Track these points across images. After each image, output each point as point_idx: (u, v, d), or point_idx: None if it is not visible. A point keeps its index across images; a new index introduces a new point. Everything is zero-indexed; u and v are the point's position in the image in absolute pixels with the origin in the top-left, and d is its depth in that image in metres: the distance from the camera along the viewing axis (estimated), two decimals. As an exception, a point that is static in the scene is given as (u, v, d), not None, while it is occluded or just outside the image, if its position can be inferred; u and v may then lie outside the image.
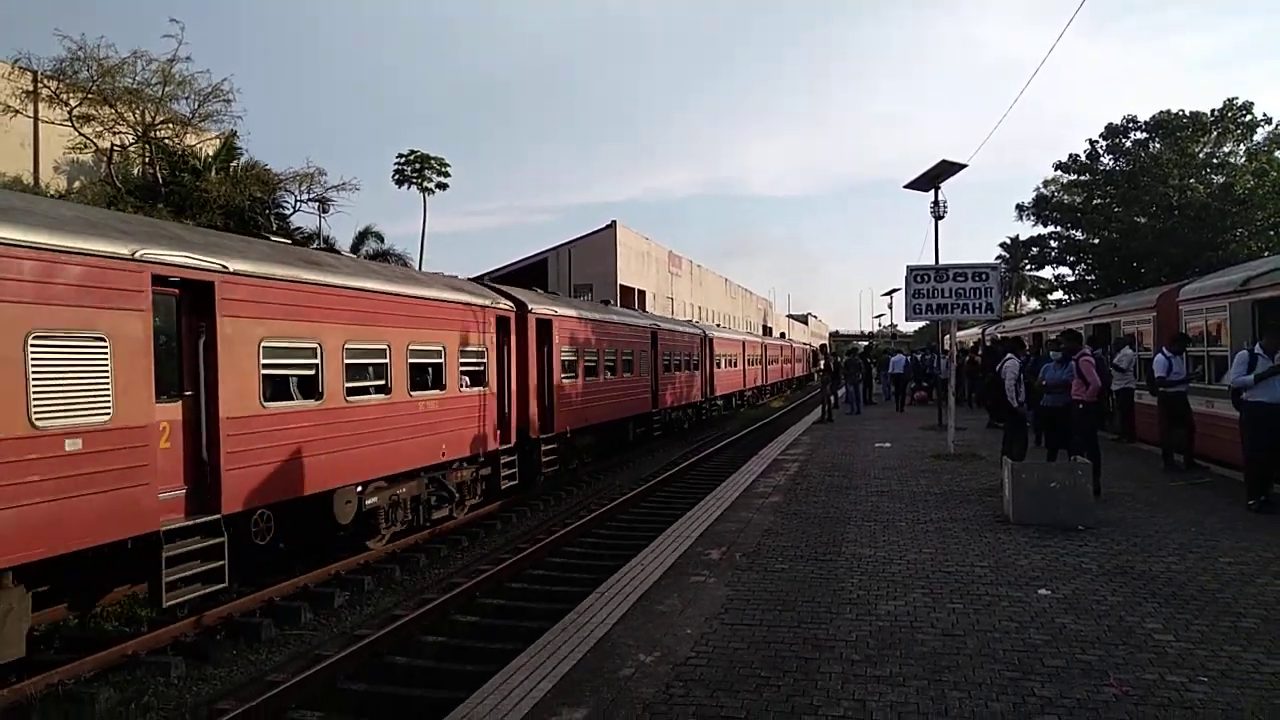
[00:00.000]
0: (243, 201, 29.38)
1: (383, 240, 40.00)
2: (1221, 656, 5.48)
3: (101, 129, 27.58)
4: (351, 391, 11.04)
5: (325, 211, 34.36)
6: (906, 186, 18.89)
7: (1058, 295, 53.15)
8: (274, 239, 11.83)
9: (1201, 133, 39.73)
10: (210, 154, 31.40)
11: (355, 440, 11.09)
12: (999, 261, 39.91)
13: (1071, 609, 6.49)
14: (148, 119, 28.23)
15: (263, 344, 9.46)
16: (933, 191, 19.38)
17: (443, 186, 47.30)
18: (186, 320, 8.72)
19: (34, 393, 6.93)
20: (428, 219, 45.92)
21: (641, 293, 52.82)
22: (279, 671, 7.94)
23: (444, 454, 13.23)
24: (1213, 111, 39.58)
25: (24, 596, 7.27)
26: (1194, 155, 39.82)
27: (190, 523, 8.46)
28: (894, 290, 47.11)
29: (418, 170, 46.37)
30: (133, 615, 9.27)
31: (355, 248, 38.05)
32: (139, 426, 7.86)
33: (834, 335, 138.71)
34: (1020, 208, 46.66)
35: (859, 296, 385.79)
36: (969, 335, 36.88)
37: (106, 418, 7.52)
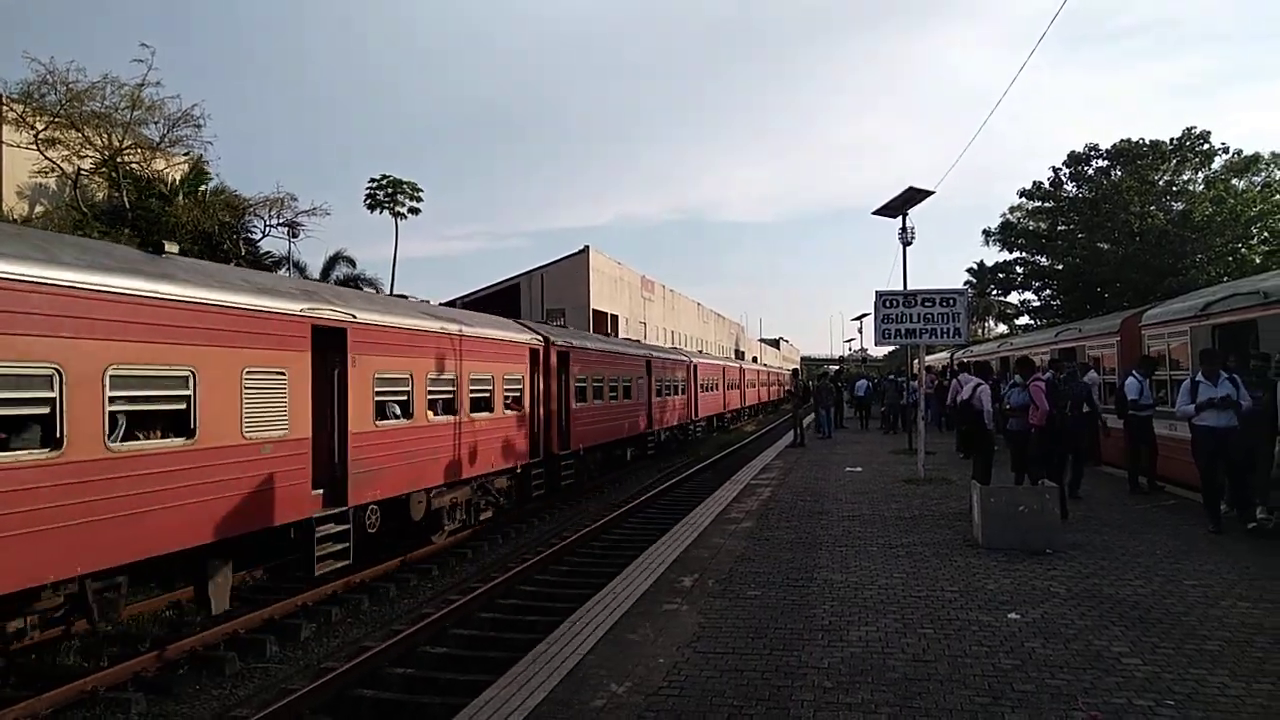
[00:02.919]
0: (211, 226, 29.08)
1: (354, 265, 39.68)
2: (1188, 680, 5.53)
3: (68, 153, 27.26)
4: None
5: (295, 236, 34.06)
6: (875, 213, 19.11)
7: (1024, 320, 54.00)
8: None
9: (1161, 161, 40.81)
10: (178, 179, 31.11)
11: None
12: (966, 287, 40.54)
13: (1040, 633, 6.53)
14: (115, 143, 27.94)
15: None
16: (901, 218, 19.65)
17: (415, 211, 47.14)
18: None
19: None
20: (400, 244, 45.60)
21: (614, 317, 52.91)
22: (244, 706, 7.78)
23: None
24: (1172, 140, 40.70)
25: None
26: (1154, 183, 40.83)
27: None
28: (864, 315, 47.61)
29: (390, 195, 46.18)
30: (93, 648, 9.04)
31: (326, 272, 37.76)
32: None
33: (805, 360, 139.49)
34: (987, 233, 47.54)
35: (830, 321, 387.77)
36: (937, 360, 37.28)
37: None
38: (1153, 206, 40.37)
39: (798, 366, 51.36)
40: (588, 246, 50.99)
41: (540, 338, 18.74)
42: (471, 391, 15.12)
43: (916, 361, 20.26)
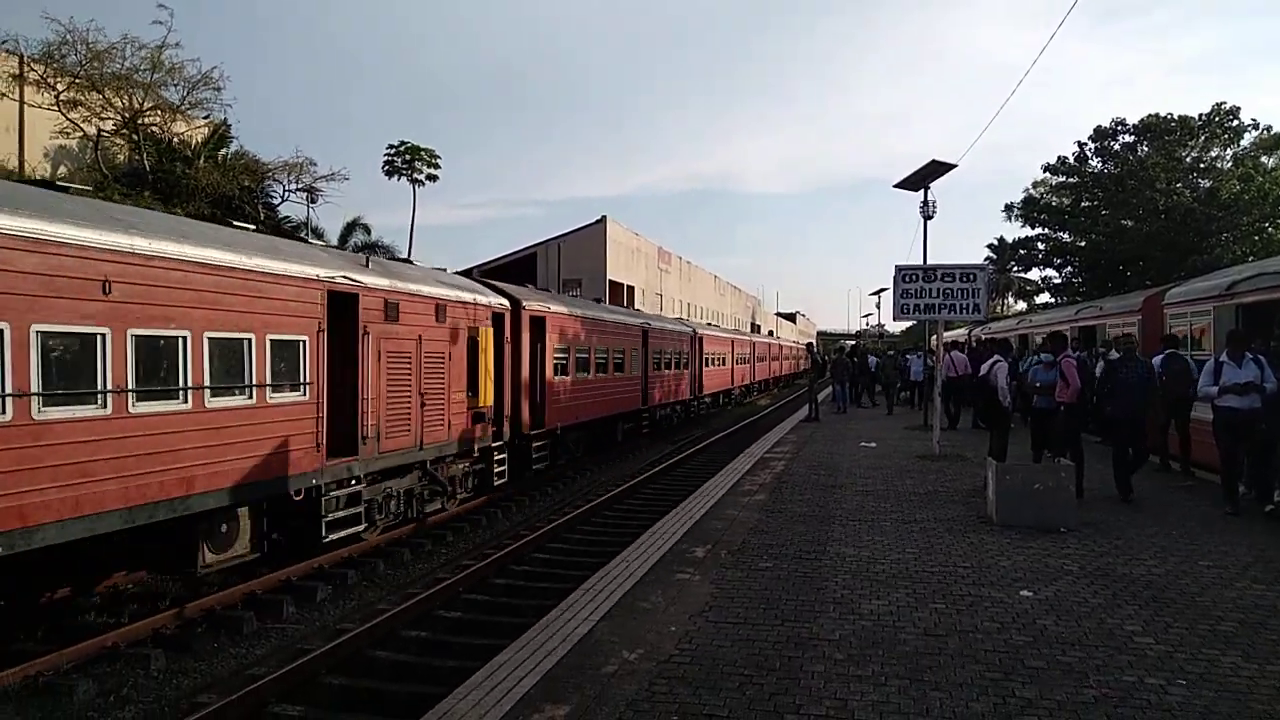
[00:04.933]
0: (231, 190, 29.15)
1: (370, 232, 39.74)
2: (1200, 659, 5.52)
3: (89, 114, 27.30)
4: None
5: (314, 201, 34.10)
6: (896, 186, 18.93)
7: (1044, 297, 53.44)
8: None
9: (1189, 137, 39.97)
10: (199, 141, 31.15)
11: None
12: (986, 263, 40.16)
13: (1053, 610, 6.52)
14: (135, 105, 27.96)
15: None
16: (922, 191, 19.43)
17: (433, 179, 47.03)
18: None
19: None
20: (417, 211, 45.56)
21: (631, 288, 52.79)
22: (260, 665, 7.91)
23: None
24: (1200, 115, 39.81)
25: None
26: (1181, 159, 40.07)
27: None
28: (882, 290, 47.31)
29: (408, 162, 46.05)
30: (114, 606, 9.22)
31: (343, 239, 37.83)
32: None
33: (822, 334, 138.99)
34: (1009, 208, 46.94)
35: (847, 295, 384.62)
36: (955, 336, 37.03)
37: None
38: (1179, 184, 39.62)
39: (814, 341, 51.12)
40: (605, 216, 50.71)
41: (691, 329, 33.62)
42: (667, 359, 29.46)
43: (935, 338, 20.12)
